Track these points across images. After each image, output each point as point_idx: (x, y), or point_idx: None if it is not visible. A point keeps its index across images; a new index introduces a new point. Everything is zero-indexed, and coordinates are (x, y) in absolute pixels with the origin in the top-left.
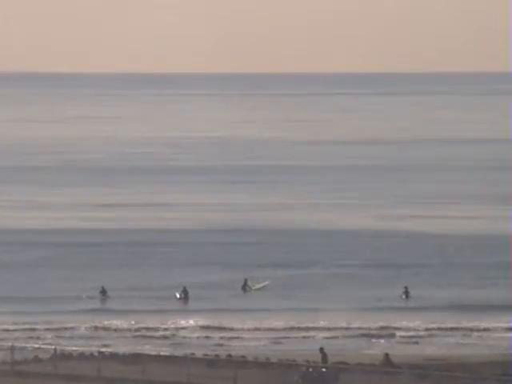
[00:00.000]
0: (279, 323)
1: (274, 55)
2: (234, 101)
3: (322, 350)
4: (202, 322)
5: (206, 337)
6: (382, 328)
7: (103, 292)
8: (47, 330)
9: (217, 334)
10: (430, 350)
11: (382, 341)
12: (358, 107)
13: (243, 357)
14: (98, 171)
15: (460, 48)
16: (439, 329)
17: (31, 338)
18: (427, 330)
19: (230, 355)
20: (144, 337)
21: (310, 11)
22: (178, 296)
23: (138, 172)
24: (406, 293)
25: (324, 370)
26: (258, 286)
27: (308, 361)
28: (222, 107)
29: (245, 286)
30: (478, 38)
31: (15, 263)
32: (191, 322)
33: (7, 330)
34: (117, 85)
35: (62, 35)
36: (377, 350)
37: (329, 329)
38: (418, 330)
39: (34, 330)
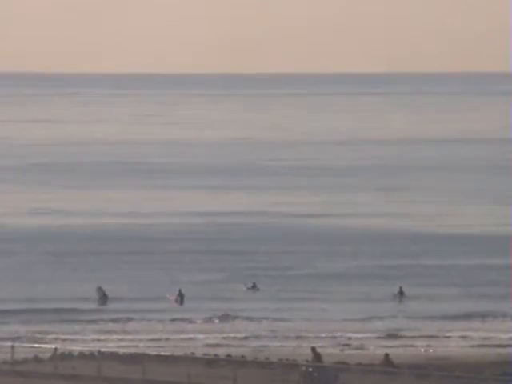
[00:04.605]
0: (277, 325)
1: (273, 55)
2: (234, 101)
3: (314, 349)
4: (200, 323)
5: (205, 338)
6: (379, 328)
7: (103, 295)
8: (47, 333)
9: (215, 336)
10: (430, 350)
11: (382, 341)
12: (358, 107)
13: (243, 357)
14: (97, 173)
15: (460, 48)
16: (435, 331)
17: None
18: (424, 331)
19: (229, 355)
20: (143, 340)
21: (310, 12)
22: (172, 298)
23: (136, 173)
24: (401, 293)
25: (316, 374)
26: (248, 286)
27: (308, 361)
28: (221, 107)
29: (254, 288)
30: (478, 38)
31: (14, 266)
32: (189, 324)
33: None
34: (116, 85)
35: (62, 35)
36: (377, 350)
37: (327, 328)
38: (415, 331)
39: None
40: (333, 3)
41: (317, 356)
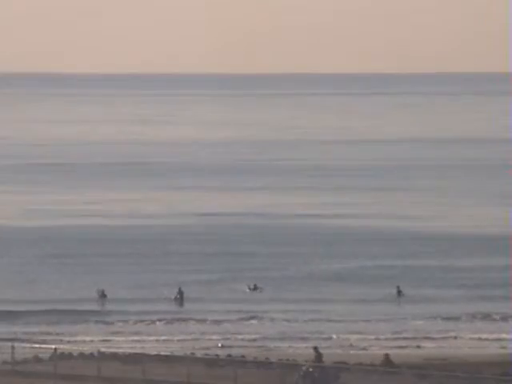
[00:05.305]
0: (278, 326)
1: (274, 56)
2: (234, 101)
3: (316, 349)
4: (201, 324)
5: (206, 338)
6: (379, 328)
7: (103, 295)
8: (48, 333)
9: (214, 335)
10: (430, 350)
11: (382, 341)
12: (358, 107)
13: (243, 357)
14: (97, 173)
15: (460, 48)
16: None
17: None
18: (424, 331)
19: (229, 355)
20: (143, 340)
21: (310, 12)
22: (172, 296)
23: (136, 174)
24: (399, 292)
25: (317, 374)
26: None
27: (308, 361)
28: (221, 108)
29: (255, 289)
30: (478, 39)
31: (13, 266)
32: (190, 324)
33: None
34: (116, 85)
35: (60, 35)
36: (377, 350)
37: (327, 328)
38: (415, 331)
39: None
40: (332, 3)
41: (318, 355)
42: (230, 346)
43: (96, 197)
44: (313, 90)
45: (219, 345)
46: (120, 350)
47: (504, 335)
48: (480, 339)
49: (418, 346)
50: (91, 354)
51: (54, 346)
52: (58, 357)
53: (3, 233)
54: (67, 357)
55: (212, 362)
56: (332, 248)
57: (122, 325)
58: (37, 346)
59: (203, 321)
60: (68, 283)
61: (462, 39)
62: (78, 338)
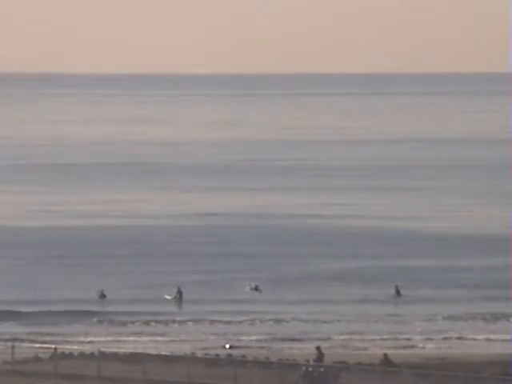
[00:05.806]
0: (278, 326)
1: (274, 56)
2: (234, 101)
3: (318, 348)
4: (201, 324)
5: (206, 338)
6: (378, 328)
7: (102, 296)
8: (47, 334)
9: (214, 335)
10: (430, 350)
11: (382, 341)
12: (357, 107)
13: (243, 356)
14: (96, 174)
15: (460, 48)
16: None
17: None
18: (423, 331)
19: (229, 355)
20: (143, 341)
21: (310, 13)
22: (170, 297)
23: (136, 174)
24: (398, 292)
25: (322, 369)
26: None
27: (308, 360)
28: (221, 108)
29: (256, 289)
30: (478, 39)
31: (13, 267)
32: (190, 324)
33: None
34: (115, 85)
35: (60, 35)
36: (376, 349)
37: (324, 328)
38: (415, 331)
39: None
40: (332, 3)
41: (320, 355)
42: (231, 346)
43: (96, 197)
44: (313, 90)
45: (227, 346)
46: (120, 350)
47: (504, 335)
48: (480, 339)
49: (418, 346)
50: (91, 354)
51: (54, 346)
52: (59, 356)
53: (3, 233)
54: (68, 356)
55: (212, 362)
56: (332, 248)
57: (121, 325)
58: (37, 345)
59: (203, 321)
60: (68, 283)
61: (462, 39)
62: (79, 339)
